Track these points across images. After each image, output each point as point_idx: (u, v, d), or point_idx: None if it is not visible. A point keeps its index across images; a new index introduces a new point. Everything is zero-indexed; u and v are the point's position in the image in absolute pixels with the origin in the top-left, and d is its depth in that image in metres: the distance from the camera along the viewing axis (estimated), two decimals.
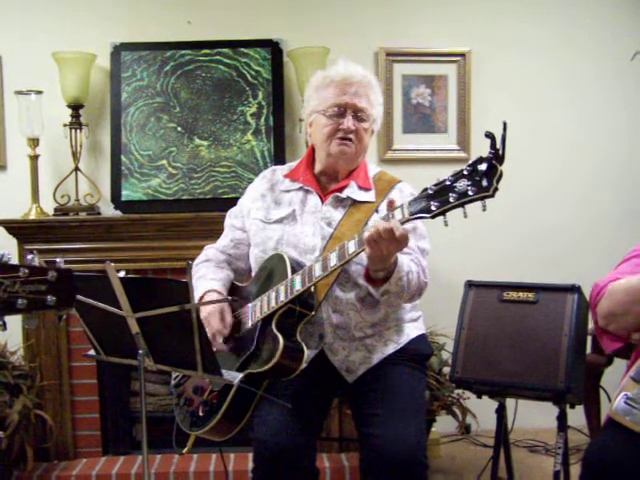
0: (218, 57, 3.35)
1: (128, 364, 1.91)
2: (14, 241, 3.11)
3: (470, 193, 1.69)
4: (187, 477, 3.05)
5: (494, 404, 2.61)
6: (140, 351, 1.80)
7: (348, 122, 2.10)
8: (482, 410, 3.02)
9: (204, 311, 2.05)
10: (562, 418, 2.46)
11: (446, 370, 3.05)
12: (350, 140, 2.12)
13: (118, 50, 3.33)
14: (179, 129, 3.32)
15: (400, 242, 1.80)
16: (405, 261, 1.98)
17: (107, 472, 3.06)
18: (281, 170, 2.29)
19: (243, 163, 3.31)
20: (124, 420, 3.31)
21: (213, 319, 2.06)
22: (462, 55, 3.51)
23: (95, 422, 3.23)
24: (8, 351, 3.07)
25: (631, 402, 1.72)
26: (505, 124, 1.67)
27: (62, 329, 3.15)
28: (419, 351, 2.20)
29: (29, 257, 1.36)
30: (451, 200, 1.71)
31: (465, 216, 1.72)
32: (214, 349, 1.99)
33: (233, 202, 2.36)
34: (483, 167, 1.68)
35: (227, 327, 2.08)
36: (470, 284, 2.66)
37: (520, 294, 2.56)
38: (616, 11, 3.59)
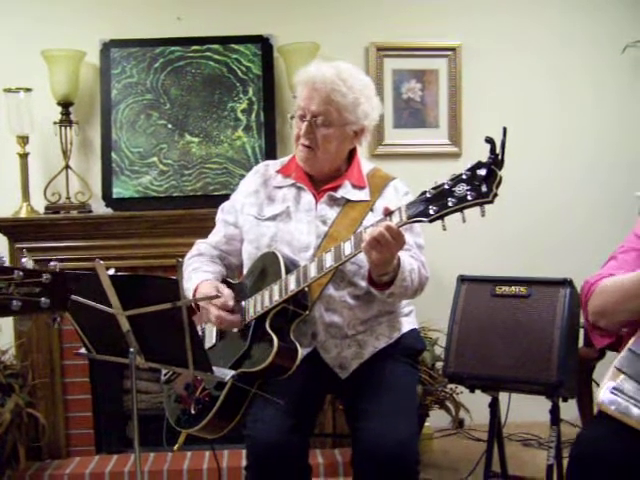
0: (208, 53, 3.33)
1: (120, 362, 1.90)
2: (4, 239, 3.10)
3: (469, 198, 1.68)
4: (180, 475, 3.04)
5: (487, 398, 2.62)
6: (131, 349, 1.80)
7: (304, 128, 2.08)
8: (475, 404, 3.03)
9: (201, 293, 2.03)
10: (555, 411, 2.47)
11: (439, 365, 3.05)
12: (307, 147, 2.09)
13: (107, 47, 3.31)
14: (169, 126, 3.31)
15: (397, 240, 1.79)
16: (406, 259, 1.97)
17: (100, 470, 3.06)
18: (273, 165, 2.27)
19: (234, 159, 3.30)
20: (117, 418, 3.31)
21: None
22: (453, 49, 3.51)
23: (88, 420, 3.22)
24: None
25: (616, 391, 1.71)
26: (505, 130, 1.64)
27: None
28: (411, 346, 2.20)
29: (23, 260, 1.36)
30: (450, 205, 1.70)
31: (464, 221, 1.70)
32: (227, 320, 2.00)
33: (224, 199, 2.34)
34: (482, 172, 1.67)
35: (227, 296, 2.02)
36: (462, 279, 2.66)
37: (512, 288, 2.56)
38: (607, 4, 3.60)
